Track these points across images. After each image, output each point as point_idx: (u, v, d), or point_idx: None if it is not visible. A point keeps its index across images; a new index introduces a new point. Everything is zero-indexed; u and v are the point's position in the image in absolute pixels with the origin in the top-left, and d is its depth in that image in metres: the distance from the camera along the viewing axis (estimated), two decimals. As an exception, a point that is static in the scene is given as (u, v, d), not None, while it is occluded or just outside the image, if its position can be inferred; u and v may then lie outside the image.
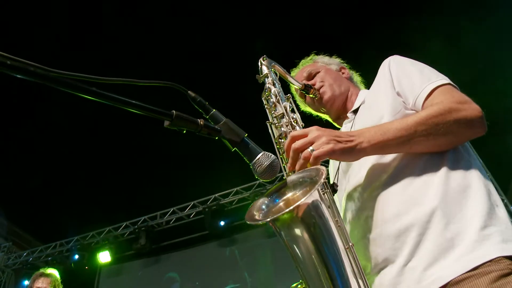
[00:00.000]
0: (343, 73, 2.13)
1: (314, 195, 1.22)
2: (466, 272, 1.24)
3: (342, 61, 2.22)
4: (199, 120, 1.19)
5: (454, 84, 1.56)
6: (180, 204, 8.68)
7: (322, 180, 1.21)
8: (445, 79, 1.55)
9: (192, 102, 1.30)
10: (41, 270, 4.56)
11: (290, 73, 2.01)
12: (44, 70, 0.98)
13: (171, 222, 8.68)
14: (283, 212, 1.19)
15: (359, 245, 1.50)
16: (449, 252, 1.29)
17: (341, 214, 1.64)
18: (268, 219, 1.23)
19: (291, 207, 1.18)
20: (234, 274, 8.09)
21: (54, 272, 4.55)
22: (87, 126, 8.33)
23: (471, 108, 1.45)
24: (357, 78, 2.18)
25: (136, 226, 8.70)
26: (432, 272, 1.29)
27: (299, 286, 1.27)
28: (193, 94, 1.31)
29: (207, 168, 8.45)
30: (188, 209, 8.54)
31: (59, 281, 4.51)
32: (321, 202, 1.24)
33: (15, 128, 8.15)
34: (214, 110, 1.30)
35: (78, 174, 8.84)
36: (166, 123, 1.15)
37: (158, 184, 8.87)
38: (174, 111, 1.14)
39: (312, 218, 1.20)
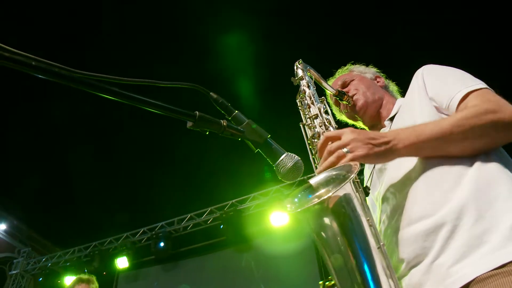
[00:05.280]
0: (378, 82, 2.14)
1: (346, 189, 1.20)
2: (493, 270, 1.20)
3: (378, 70, 2.23)
4: (222, 121, 1.18)
5: (491, 89, 1.52)
6: (197, 210, 8.69)
7: (354, 174, 1.21)
8: (481, 84, 1.52)
9: (214, 104, 1.29)
10: (81, 276, 4.52)
11: (327, 81, 2.03)
12: (68, 71, 0.98)
13: (188, 228, 8.69)
14: (314, 203, 1.18)
15: (390, 245, 1.50)
16: (477, 249, 1.25)
17: (377, 216, 1.64)
18: (300, 209, 1.23)
19: (323, 198, 1.17)
20: (251, 283, 8.08)
21: (92, 278, 4.50)
22: (106, 132, 8.39)
23: (508, 110, 1.41)
24: (393, 87, 2.18)
25: (153, 232, 8.73)
26: (457, 269, 1.26)
27: (327, 283, 1.25)
28: (215, 96, 1.30)
29: (224, 173, 8.44)
30: (206, 215, 8.54)
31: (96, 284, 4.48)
32: (354, 197, 1.22)
33: (34, 134, 8.25)
34: (236, 111, 1.28)
35: (96, 180, 8.90)
36: (189, 124, 1.14)
37: (176, 190, 8.88)
38: (197, 112, 1.13)
39: (343, 209, 1.19)
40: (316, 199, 1.29)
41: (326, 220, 1.20)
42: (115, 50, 7.22)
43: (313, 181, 1.35)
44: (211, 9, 6.92)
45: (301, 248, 7.31)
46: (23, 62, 0.90)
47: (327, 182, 1.33)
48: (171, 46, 7.33)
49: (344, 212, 1.19)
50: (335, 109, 2.17)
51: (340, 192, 1.19)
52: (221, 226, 7.99)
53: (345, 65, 2.29)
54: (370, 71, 2.20)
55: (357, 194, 1.25)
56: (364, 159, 1.36)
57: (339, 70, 2.27)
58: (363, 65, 2.26)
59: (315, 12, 6.98)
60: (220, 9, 6.88)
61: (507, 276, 1.17)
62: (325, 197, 1.17)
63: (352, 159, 1.32)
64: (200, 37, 7.18)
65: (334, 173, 1.32)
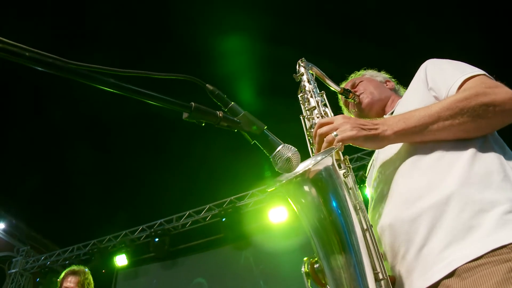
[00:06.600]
0: (387, 85, 2.21)
1: (327, 163, 1.28)
2: (483, 257, 1.18)
3: (390, 76, 2.31)
4: (218, 112, 1.18)
5: (489, 75, 1.52)
6: (196, 207, 8.68)
7: (335, 150, 1.33)
8: (479, 71, 1.52)
9: (210, 95, 1.28)
10: (71, 268, 4.25)
11: (339, 85, 2.13)
12: (62, 61, 0.97)
13: (187, 225, 8.69)
14: (293, 175, 1.25)
15: (379, 230, 1.51)
16: (466, 235, 1.24)
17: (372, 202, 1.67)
18: (279, 183, 1.30)
19: (302, 170, 1.24)
20: (251, 279, 8.09)
21: (84, 269, 4.23)
22: (104, 131, 8.38)
23: (501, 92, 1.40)
24: (403, 91, 2.22)
25: (152, 230, 8.73)
26: (446, 255, 1.24)
27: (311, 259, 1.28)
28: (211, 87, 1.28)
29: (223, 170, 8.43)
30: (204, 212, 8.53)
31: (89, 278, 4.21)
32: (335, 172, 1.29)
33: (33, 133, 8.24)
34: (232, 103, 1.27)
35: (95, 178, 8.89)
36: (185, 115, 1.13)
37: (174, 188, 8.87)
38: (192, 103, 1.13)
39: (322, 177, 1.27)
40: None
41: (306, 194, 1.27)
42: (111, 53, 7.20)
43: (299, 167, 1.39)
44: (207, 10, 6.90)
45: (300, 244, 7.29)
46: (17, 52, 0.90)
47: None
48: (168, 48, 7.32)
49: (319, 177, 1.27)
50: (345, 110, 2.26)
51: (320, 167, 1.27)
52: (223, 219, 7.98)
53: (346, 67, 2.41)
54: (381, 75, 2.29)
55: (347, 178, 1.33)
56: (352, 140, 1.41)
57: (352, 75, 2.36)
58: (375, 70, 2.34)
59: (314, 13, 6.97)
60: (216, 11, 6.86)
61: (498, 264, 1.15)
62: (305, 169, 1.23)
63: (341, 140, 1.39)
64: (196, 39, 7.17)
65: (318, 158, 1.36)
